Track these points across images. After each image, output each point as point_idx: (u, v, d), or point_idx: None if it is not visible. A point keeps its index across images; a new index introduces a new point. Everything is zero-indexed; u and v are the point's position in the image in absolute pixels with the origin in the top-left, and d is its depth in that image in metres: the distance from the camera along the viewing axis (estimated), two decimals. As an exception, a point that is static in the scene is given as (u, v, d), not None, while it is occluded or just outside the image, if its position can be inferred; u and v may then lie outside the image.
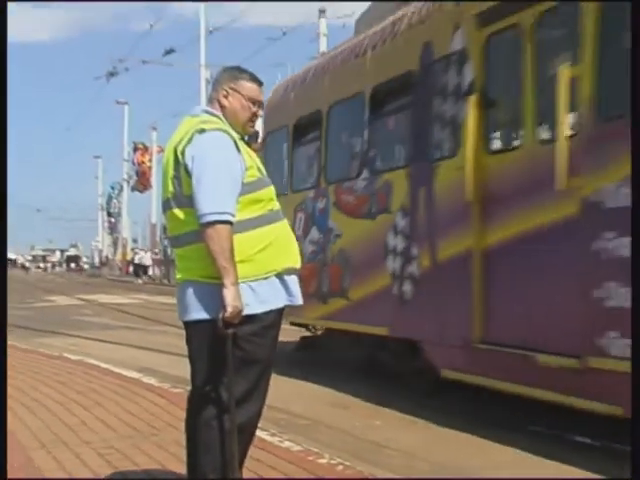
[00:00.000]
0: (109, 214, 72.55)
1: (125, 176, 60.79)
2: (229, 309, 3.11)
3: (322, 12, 30.81)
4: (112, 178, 72.96)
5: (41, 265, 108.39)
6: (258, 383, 3.36)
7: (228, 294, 3.12)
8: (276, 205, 3.44)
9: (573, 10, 5.24)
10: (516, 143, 6.09)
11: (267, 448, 4.65)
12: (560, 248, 5.29)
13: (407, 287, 6.93)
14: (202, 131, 3.29)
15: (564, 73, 5.16)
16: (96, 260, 78.89)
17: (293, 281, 3.43)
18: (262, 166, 3.46)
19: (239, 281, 3.17)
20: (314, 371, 8.57)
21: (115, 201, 69.75)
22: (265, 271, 3.30)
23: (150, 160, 53.63)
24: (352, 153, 8.29)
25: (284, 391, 6.61)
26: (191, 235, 3.28)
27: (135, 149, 56.75)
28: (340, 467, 4.35)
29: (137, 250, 54.83)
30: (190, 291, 3.32)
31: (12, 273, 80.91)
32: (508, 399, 6.09)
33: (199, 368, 3.37)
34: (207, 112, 3.47)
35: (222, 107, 3.46)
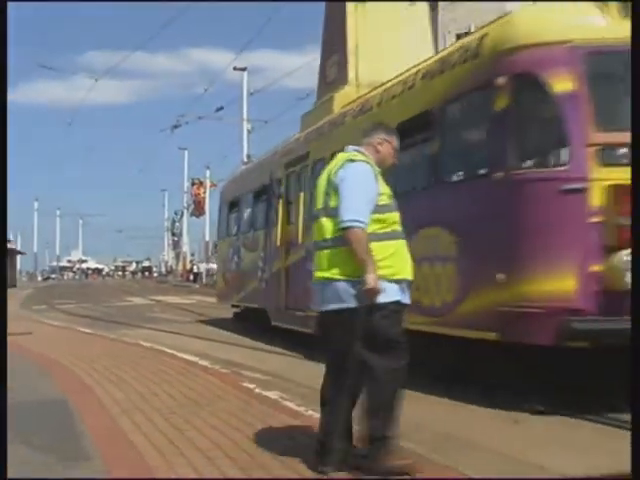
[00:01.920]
0: (173, 234, 72.82)
1: (185, 205, 61.13)
2: (369, 285, 3.20)
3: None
4: (175, 206, 73.59)
5: (119, 273, 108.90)
6: (390, 356, 3.35)
7: (370, 278, 3.21)
8: (399, 227, 3.49)
9: (301, 172, 10.00)
10: (293, 221, 10.09)
11: (295, 416, 4.69)
12: (302, 267, 8.74)
13: (262, 283, 11.45)
14: (352, 160, 3.47)
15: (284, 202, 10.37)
16: (163, 270, 79.10)
17: (406, 286, 3.46)
18: (393, 196, 3.52)
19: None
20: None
21: (177, 224, 70.02)
22: (385, 275, 3.33)
23: (204, 192, 53.58)
24: (248, 221, 13.11)
25: (308, 371, 6.61)
26: (334, 240, 3.38)
27: (193, 184, 56.85)
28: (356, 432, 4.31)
29: (195, 262, 54.92)
30: (329, 287, 3.39)
31: (99, 280, 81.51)
32: (495, 386, 6.03)
33: (332, 348, 3.46)
34: (357, 150, 3.58)
35: (377, 151, 3.59)
